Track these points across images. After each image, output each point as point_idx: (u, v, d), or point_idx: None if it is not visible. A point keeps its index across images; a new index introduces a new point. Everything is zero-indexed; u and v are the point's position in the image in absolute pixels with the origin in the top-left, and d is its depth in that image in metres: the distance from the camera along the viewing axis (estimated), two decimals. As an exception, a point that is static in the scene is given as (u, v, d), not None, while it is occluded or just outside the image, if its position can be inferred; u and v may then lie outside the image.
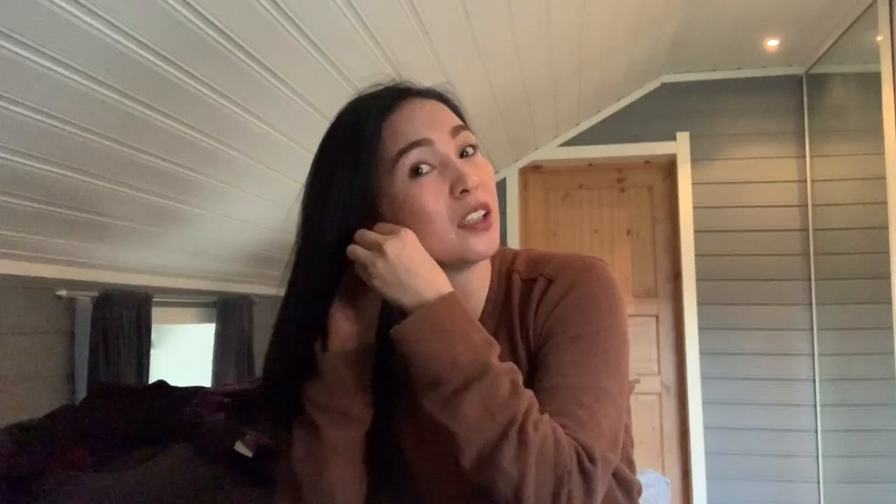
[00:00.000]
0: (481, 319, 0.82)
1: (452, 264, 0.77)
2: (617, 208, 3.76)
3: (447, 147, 0.76)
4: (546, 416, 0.68)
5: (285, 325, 0.80)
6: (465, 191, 0.74)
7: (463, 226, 0.75)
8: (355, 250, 0.73)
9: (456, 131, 0.77)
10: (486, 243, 0.76)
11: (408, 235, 0.72)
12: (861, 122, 2.99)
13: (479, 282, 0.83)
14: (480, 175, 0.76)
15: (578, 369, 0.73)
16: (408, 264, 0.70)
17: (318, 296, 0.77)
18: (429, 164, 0.75)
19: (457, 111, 0.83)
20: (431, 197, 0.74)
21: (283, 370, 0.80)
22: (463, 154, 0.77)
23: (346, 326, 0.76)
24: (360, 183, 0.76)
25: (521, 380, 0.69)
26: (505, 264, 0.85)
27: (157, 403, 1.73)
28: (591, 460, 0.66)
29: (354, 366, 0.76)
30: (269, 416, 0.87)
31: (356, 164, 0.76)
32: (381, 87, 0.81)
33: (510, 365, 0.70)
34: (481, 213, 0.75)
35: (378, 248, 0.71)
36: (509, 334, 0.80)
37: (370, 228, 0.75)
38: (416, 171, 0.74)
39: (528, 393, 0.69)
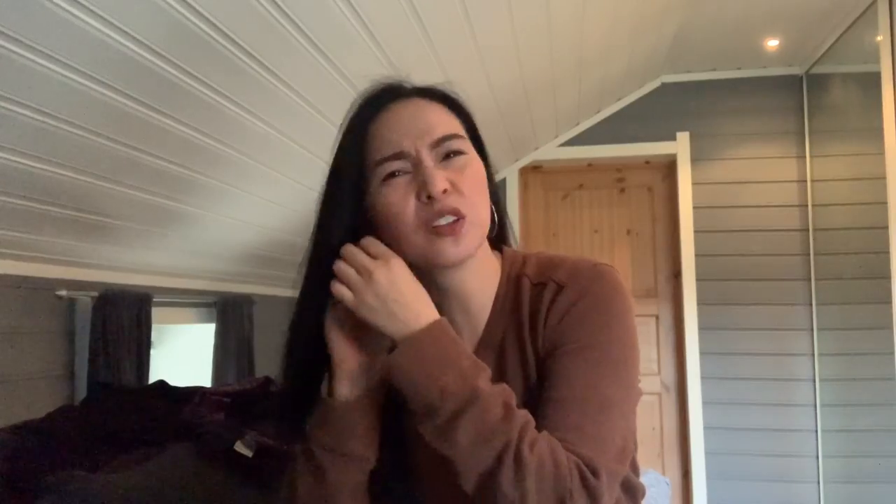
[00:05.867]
0: (489, 323, 0.82)
1: (426, 267, 0.76)
2: (617, 208, 3.76)
3: (424, 154, 0.75)
4: (543, 434, 0.68)
5: (294, 330, 0.81)
6: (430, 197, 0.73)
7: (431, 230, 0.74)
8: (345, 270, 0.73)
9: (439, 142, 0.76)
10: (452, 249, 0.74)
11: (396, 262, 0.73)
12: (861, 122, 2.99)
13: (480, 284, 0.82)
14: (456, 180, 0.75)
15: (586, 380, 0.72)
16: (396, 294, 0.71)
17: (319, 299, 0.77)
18: (402, 171, 0.75)
19: (457, 108, 0.82)
20: (399, 200, 0.74)
21: (293, 376, 0.81)
22: (447, 156, 0.76)
23: (351, 363, 0.76)
24: (349, 185, 0.77)
25: (514, 401, 0.69)
26: (515, 268, 0.83)
27: (157, 403, 1.73)
28: (595, 474, 0.66)
29: (364, 411, 0.76)
30: (282, 421, 0.87)
31: (344, 168, 0.78)
32: (376, 88, 0.81)
33: (501, 387, 0.70)
34: (450, 218, 0.74)
35: (368, 275, 0.71)
36: (519, 340, 0.80)
37: (356, 242, 0.75)
38: (389, 176, 0.75)
39: (523, 413, 0.69)
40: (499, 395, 0.68)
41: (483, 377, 0.69)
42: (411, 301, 0.71)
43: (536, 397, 0.75)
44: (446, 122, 0.78)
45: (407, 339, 0.70)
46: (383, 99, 0.79)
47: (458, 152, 0.77)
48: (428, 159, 0.75)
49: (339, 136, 0.80)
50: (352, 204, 0.77)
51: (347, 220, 0.77)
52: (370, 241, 0.74)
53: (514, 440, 0.65)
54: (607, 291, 0.77)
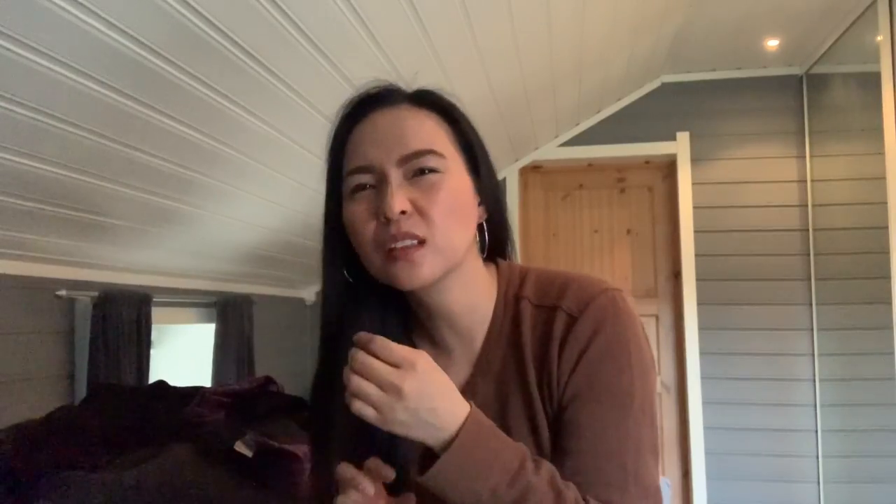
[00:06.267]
0: (485, 348, 0.79)
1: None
2: (617, 208, 3.76)
3: (390, 169, 0.71)
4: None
5: (320, 340, 0.80)
6: (388, 218, 0.69)
7: (386, 253, 0.70)
8: (364, 388, 0.63)
9: (408, 158, 0.71)
10: (406, 275, 0.70)
11: (422, 364, 0.64)
12: (861, 122, 2.99)
13: (470, 302, 0.78)
14: (422, 201, 0.70)
15: (618, 430, 0.70)
16: (428, 403, 0.63)
17: (333, 309, 0.77)
18: (368, 185, 0.72)
19: (450, 117, 0.78)
20: (360, 217, 0.72)
21: (318, 389, 0.81)
22: (419, 173, 0.72)
23: None
24: (332, 193, 0.77)
25: (557, 476, 0.66)
26: (512, 287, 0.79)
27: (157, 403, 1.73)
28: None
29: None
30: (310, 434, 0.87)
31: (328, 176, 0.78)
32: (363, 93, 0.78)
33: (546, 468, 0.67)
34: (407, 242, 0.70)
35: (395, 391, 0.62)
36: (519, 369, 0.76)
37: (364, 344, 0.65)
38: (354, 190, 0.73)
39: (569, 488, 0.66)
40: (545, 476, 0.65)
41: (528, 465, 0.65)
42: (444, 403, 0.64)
43: (543, 428, 0.74)
44: (425, 135, 0.73)
45: (448, 447, 0.64)
46: (367, 106, 0.76)
47: (431, 170, 0.71)
48: (393, 176, 0.71)
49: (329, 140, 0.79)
50: (336, 210, 0.76)
51: (336, 223, 0.76)
52: (383, 346, 0.64)
53: None
54: (623, 323, 0.73)
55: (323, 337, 0.79)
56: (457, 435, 0.64)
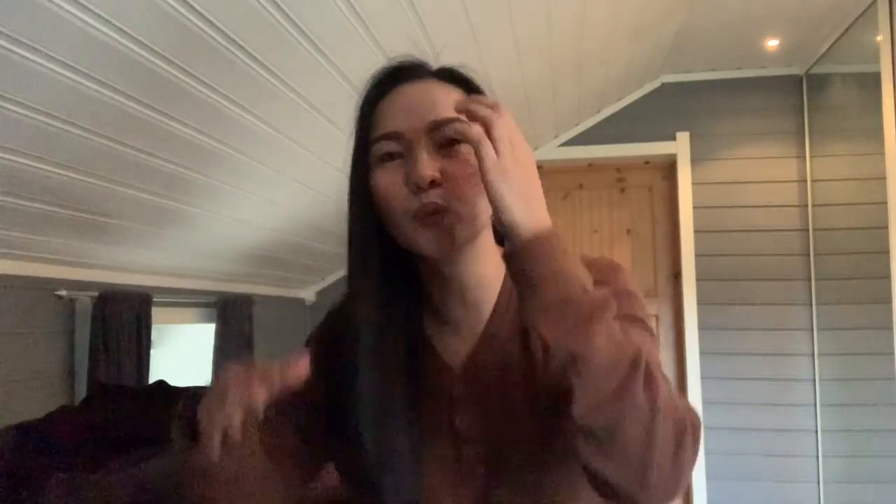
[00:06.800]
0: (491, 321, 0.79)
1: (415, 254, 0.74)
2: (617, 208, 3.76)
3: (419, 137, 0.71)
4: None
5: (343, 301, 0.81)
6: (417, 186, 0.69)
7: (417, 220, 0.70)
8: (504, 128, 0.65)
9: (438, 125, 0.72)
10: (434, 243, 0.71)
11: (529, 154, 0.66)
12: (861, 122, 2.99)
13: (481, 275, 0.78)
14: (451, 170, 0.71)
15: (644, 342, 0.68)
16: (536, 184, 0.66)
17: (363, 267, 0.76)
18: (396, 153, 0.72)
19: (470, 88, 0.80)
20: (389, 185, 0.72)
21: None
22: (449, 143, 0.72)
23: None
24: (359, 161, 0.76)
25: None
26: None
27: (157, 403, 1.73)
28: (694, 417, 0.64)
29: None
30: None
31: (355, 146, 0.77)
32: (393, 64, 0.79)
33: None
34: (437, 211, 0.70)
35: (526, 153, 0.65)
36: (524, 341, 0.77)
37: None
38: (382, 158, 0.73)
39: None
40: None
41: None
42: (542, 197, 0.66)
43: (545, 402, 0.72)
44: (447, 110, 0.73)
45: (544, 231, 0.64)
46: (395, 78, 0.77)
47: (460, 140, 0.71)
48: (422, 144, 0.71)
49: (356, 110, 0.79)
50: (362, 179, 0.75)
51: (362, 192, 0.74)
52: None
53: (642, 354, 0.61)
54: (628, 280, 0.78)
55: (345, 299, 0.79)
56: (551, 228, 0.65)
